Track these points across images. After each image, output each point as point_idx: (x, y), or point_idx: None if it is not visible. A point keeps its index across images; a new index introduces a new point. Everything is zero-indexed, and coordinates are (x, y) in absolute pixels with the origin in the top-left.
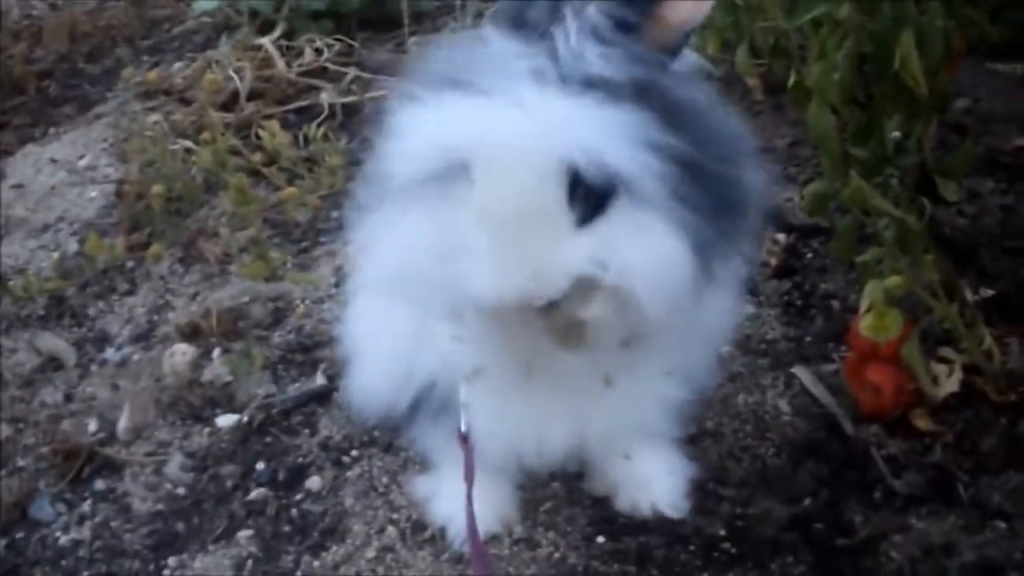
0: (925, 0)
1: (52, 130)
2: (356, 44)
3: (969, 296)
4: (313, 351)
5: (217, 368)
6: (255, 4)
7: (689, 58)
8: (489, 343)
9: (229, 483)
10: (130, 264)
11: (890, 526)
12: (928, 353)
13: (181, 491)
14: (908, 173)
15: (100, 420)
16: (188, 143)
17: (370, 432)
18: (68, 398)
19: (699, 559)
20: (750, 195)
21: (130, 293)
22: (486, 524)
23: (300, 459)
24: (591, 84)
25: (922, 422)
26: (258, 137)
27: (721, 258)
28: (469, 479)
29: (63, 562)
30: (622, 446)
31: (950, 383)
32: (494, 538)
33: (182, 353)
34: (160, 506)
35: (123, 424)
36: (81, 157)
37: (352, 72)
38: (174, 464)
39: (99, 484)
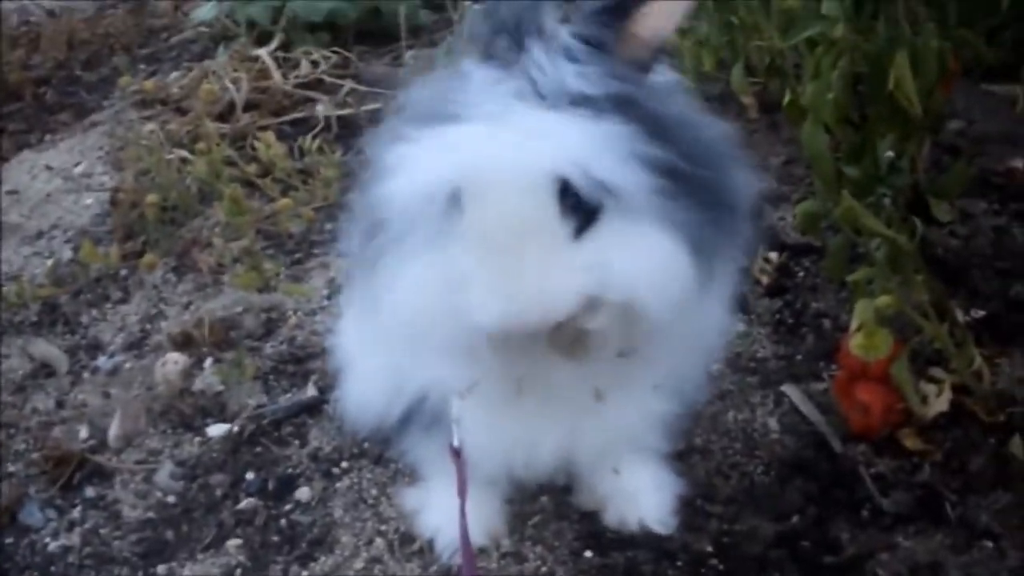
0: (920, 21)
1: (48, 137)
2: (352, 56)
3: (960, 316)
4: (305, 362)
5: (208, 378)
6: (252, 15)
7: (664, 72)
8: (484, 360)
9: (219, 492)
10: (124, 272)
11: (877, 544)
12: (918, 373)
13: (171, 499)
14: (901, 193)
15: (91, 427)
16: (183, 153)
17: (360, 444)
18: (60, 405)
19: (686, 575)
20: (739, 193)
21: (123, 301)
22: (474, 538)
23: (290, 469)
24: (572, 101)
25: (911, 441)
26: (253, 148)
27: (721, 255)
28: (462, 494)
29: (52, 568)
30: (611, 460)
31: (939, 403)
32: (482, 551)
33: (174, 362)
34: (150, 514)
35: (114, 432)
36: (77, 164)
37: (348, 84)
38: (164, 472)
39: (89, 491)
